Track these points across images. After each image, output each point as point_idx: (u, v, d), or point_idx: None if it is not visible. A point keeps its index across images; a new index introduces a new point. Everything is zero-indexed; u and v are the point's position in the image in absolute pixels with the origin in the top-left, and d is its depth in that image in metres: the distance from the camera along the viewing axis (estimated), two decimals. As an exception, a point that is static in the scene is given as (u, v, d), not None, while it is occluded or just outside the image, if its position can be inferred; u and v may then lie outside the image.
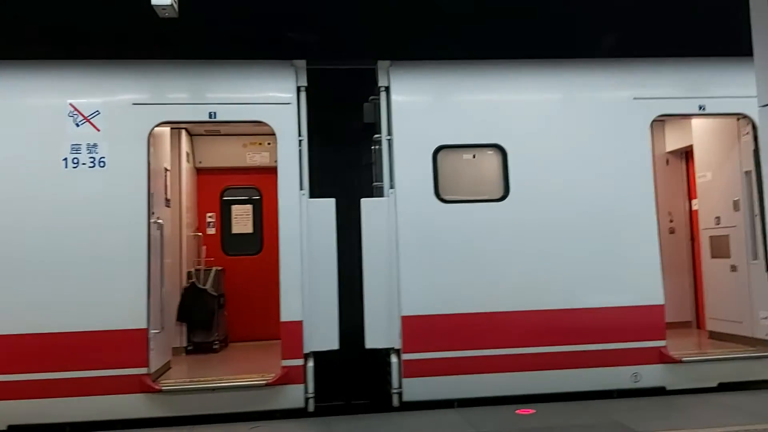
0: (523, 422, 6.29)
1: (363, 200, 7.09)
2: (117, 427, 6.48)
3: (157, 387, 6.57)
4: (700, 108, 7.58)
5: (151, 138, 6.92)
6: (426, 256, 7.01)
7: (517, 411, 6.62)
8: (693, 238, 9.65)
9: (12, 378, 6.41)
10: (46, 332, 6.46)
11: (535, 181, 7.18)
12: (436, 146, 7.17)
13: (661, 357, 7.11)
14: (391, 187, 7.11)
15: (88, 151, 6.70)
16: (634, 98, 7.46)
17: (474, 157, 7.43)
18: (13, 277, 6.50)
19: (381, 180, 7.24)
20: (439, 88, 7.47)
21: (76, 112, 6.76)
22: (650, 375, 7.10)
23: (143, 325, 6.57)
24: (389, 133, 7.21)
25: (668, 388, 7.15)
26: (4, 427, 6.41)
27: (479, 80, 7.55)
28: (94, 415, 6.47)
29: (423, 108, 7.35)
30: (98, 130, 6.75)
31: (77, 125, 6.75)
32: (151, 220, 6.88)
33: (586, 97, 7.49)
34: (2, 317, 6.45)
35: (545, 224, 7.13)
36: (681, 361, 7.14)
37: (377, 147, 7.41)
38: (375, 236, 7.00)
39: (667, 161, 9.92)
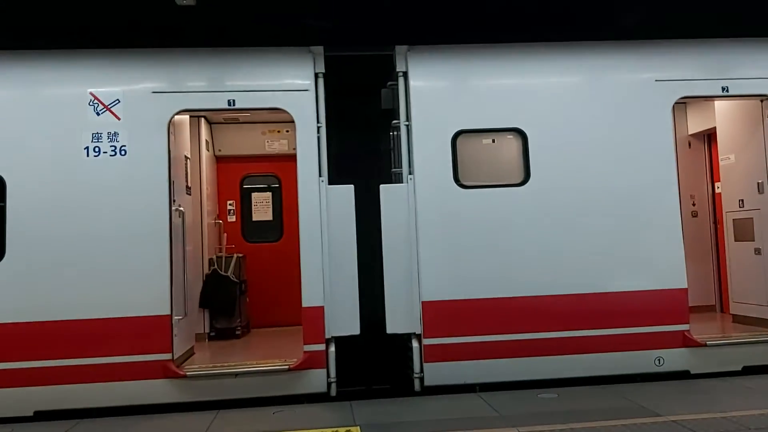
0: (546, 406, 6.28)
1: (382, 186, 7.09)
2: (142, 412, 6.55)
3: (181, 372, 6.64)
4: (723, 90, 7.47)
5: (171, 126, 6.96)
6: (445, 241, 7.00)
7: (539, 395, 6.62)
8: (716, 221, 9.55)
9: (38, 364, 6.50)
10: (71, 319, 6.54)
11: (556, 165, 7.13)
12: (455, 131, 7.14)
13: (684, 341, 7.06)
14: (410, 172, 7.09)
15: (109, 140, 6.75)
16: (656, 80, 7.37)
17: (493, 141, 7.39)
18: (36, 265, 6.58)
19: (400, 166, 7.23)
20: (458, 72, 7.42)
21: (96, 101, 6.81)
22: (674, 359, 7.06)
23: (167, 312, 6.64)
24: (408, 118, 7.19)
25: (692, 371, 7.10)
26: (30, 413, 6.51)
27: (498, 64, 7.49)
28: (120, 400, 6.56)
29: (441, 93, 7.31)
30: (119, 119, 6.80)
31: (98, 114, 6.80)
32: (173, 208, 6.93)
33: (607, 79, 7.41)
34: (28, 304, 6.53)
35: (566, 208, 7.08)
36: (705, 345, 7.10)
37: (396, 133, 7.40)
38: (394, 222, 7.00)
39: (690, 144, 9.81)
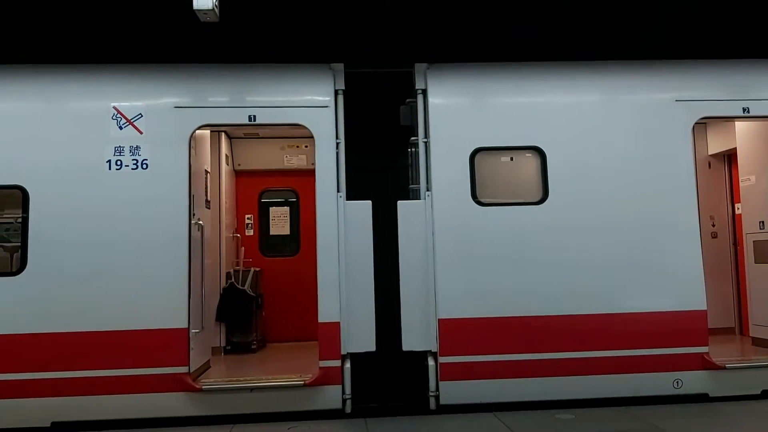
0: (562, 427, 6.23)
1: (399, 202, 7.09)
2: (157, 425, 6.57)
3: (197, 386, 6.65)
4: (744, 110, 7.42)
5: (192, 141, 7.02)
6: (463, 258, 6.98)
7: (556, 416, 6.56)
8: (736, 242, 9.46)
9: (56, 375, 6.54)
10: (89, 331, 6.58)
11: (575, 183, 7.10)
12: (474, 148, 7.14)
13: (703, 363, 6.98)
14: (428, 189, 7.10)
15: (131, 154, 6.82)
16: (676, 100, 7.33)
17: (512, 159, 7.39)
18: (57, 277, 6.63)
19: (417, 182, 7.24)
20: (477, 90, 7.43)
21: (119, 115, 6.90)
22: (693, 381, 6.96)
23: (184, 325, 6.66)
24: (426, 135, 7.21)
25: (711, 395, 7.01)
26: (48, 424, 6.54)
27: (517, 82, 7.49)
28: (136, 413, 6.57)
29: (460, 110, 7.33)
30: (141, 133, 6.87)
31: (120, 128, 6.88)
32: (192, 222, 6.98)
33: (627, 99, 7.39)
34: (46, 316, 6.58)
35: (585, 228, 7.04)
36: (724, 368, 7.00)
37: (414, 149, 7.42)
38: (411, 238, 7.00)
39: (710, 164, 9.75)
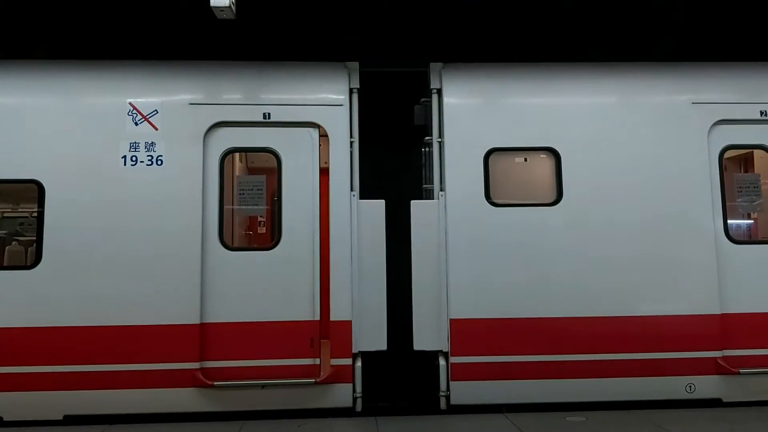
0: (574, 430, 6.20)
1: (413, 202, 7.10)
2: (168, 420, 6.60)
3: (208, 382, 6.68)
4: (762, 114, 7.36)
5: (207, 137, 7.03)
6: (475, 259, 6.97)
7: (567, 418, 6.54)
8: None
9: (69, 369, 6.58)
10: (103, 325, 6.62)
11: (590, 185, 7.07)
12: (488, 149, 7.12)
13: (717, 368, 6.93)
14: (442, 189, 7.10)
15: (147, 150, 6.85)
16: (692, 103, 7.29)
17: (526, 160, 7.37)
18: (72, 272, 6.67)
19: (431, 182, 7.24)
20: (491, 90, 7.41)
21: (135, 111, 6.93)
22: (706, 386, 6.92)
23: (197, 320, 6.69)
24: (440, 135, 7.20)
25: (724, 400, 6.96)
26: (60, 417, 6.59)
27: (532, 83, 7.46)
28: (147, 408, 6.61)
29: (475, 110, 7.30)
30: (156, 129, 6.91)
31: (136, 124, 6.91)
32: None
33: (643, 100, 7.34)
34: (62, 310, 6.62)
35: (599, 230, 7.01)
36: (738, 373, 6.94)
37: (428, 149, 7.41)
38: (424, 238, 7.00)
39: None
